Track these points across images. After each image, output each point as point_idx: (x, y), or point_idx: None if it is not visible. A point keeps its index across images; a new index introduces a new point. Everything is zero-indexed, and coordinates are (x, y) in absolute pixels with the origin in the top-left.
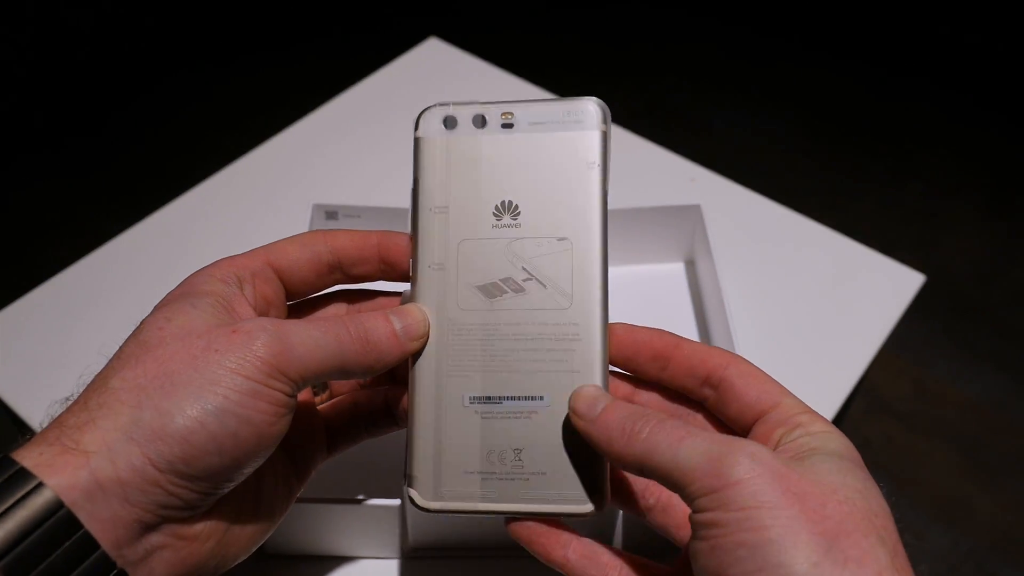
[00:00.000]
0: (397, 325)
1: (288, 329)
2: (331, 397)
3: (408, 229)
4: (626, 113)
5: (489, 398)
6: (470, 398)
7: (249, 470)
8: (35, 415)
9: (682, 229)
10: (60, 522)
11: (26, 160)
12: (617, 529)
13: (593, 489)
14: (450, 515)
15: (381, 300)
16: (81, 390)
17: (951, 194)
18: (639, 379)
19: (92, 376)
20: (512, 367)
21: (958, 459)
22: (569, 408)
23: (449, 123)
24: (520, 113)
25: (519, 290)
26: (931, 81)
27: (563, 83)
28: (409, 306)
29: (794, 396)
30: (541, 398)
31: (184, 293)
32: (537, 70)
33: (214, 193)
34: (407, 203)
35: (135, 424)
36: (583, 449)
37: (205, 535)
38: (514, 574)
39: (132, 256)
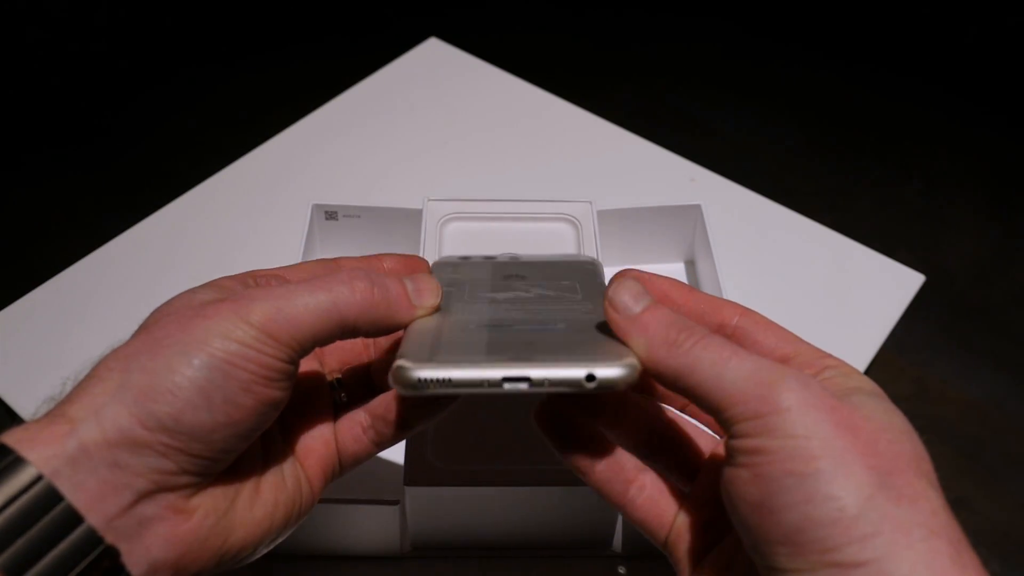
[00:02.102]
0: (410, 289)
1: (280, 294)
2: (349, 399)
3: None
4: (626, 113)
5: (500, 326)
6: (476, 326)
7: (243, 439)
8: (36, 416)
9: (682, 229)
10: (39, 495)
11: (26, 160)
12: (617, 531)
13: (623, 354)
14: (445, 393)
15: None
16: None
17: (951, 194)
18: None
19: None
20: (528, 315)
21: (958, 459)
22: (607, 300)
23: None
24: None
25: (528, 293)
26: (932, 81)
27: (563, 83)
28: (423, 275)
29: (812, 345)
30: (557, 325)
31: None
32: (537, 70)
33: (214, 193)
34: (407, 203)
35: (122, 386)
36: (604, 336)
37: (203, 511)
38: (515, 574)
39: (132, 256)
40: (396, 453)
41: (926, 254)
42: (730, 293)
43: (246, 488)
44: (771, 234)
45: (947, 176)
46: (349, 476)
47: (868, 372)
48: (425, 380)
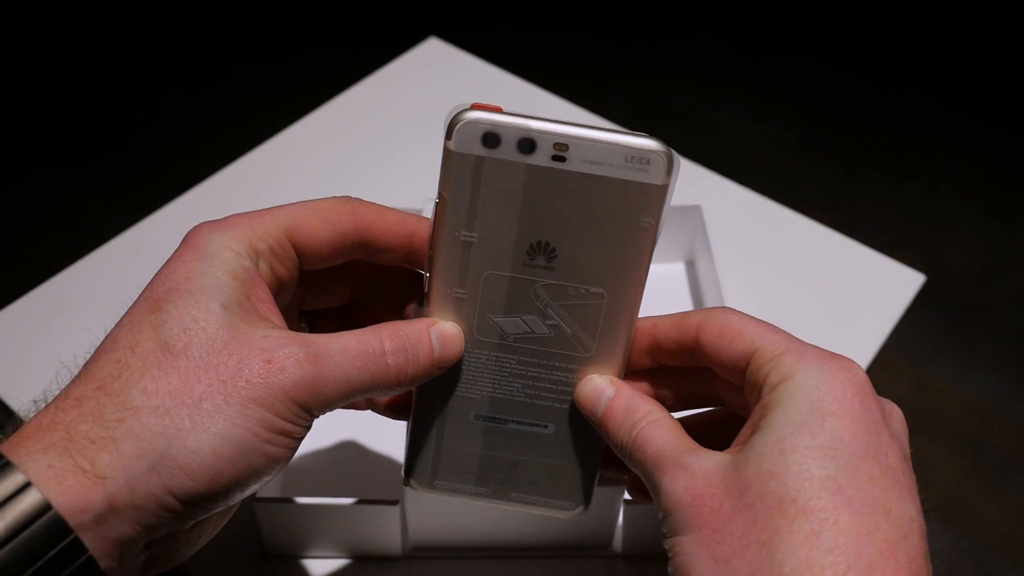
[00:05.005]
0: (436, 350)
1: (322, 366)
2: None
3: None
4: (626, 113)
5: (495, 418)
6: (476, 415)
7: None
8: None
9: (682, 229)
10: (65, 549)
11: (26, 159)
12: (617, 531)
13: (581, 498)
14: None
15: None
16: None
17: (952, 194)
18: None
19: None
20: (523, 398)
21: (958, 459)
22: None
23: (489, 140)
24: (576, 147)
25: (542, 332)
26: (933, 80)
27: (563, 83)
28: (451, 328)
29: (771, 334)
30: (546, 426)
31: (204, 275)
32: (537, 70)
33: (214, 193)
34: (409, 204)
35: (160, 456)
36: (577, 465)
37: (194, 535)
38: (514, 574)
39: (132, 256)
40: (396, 453)
41: (926, 254)
42: (730, 294)
43: None
44: (771, 234)
45: (947, 176)
46: (349, 476)
47: (868, 372)
48: (429, 495)
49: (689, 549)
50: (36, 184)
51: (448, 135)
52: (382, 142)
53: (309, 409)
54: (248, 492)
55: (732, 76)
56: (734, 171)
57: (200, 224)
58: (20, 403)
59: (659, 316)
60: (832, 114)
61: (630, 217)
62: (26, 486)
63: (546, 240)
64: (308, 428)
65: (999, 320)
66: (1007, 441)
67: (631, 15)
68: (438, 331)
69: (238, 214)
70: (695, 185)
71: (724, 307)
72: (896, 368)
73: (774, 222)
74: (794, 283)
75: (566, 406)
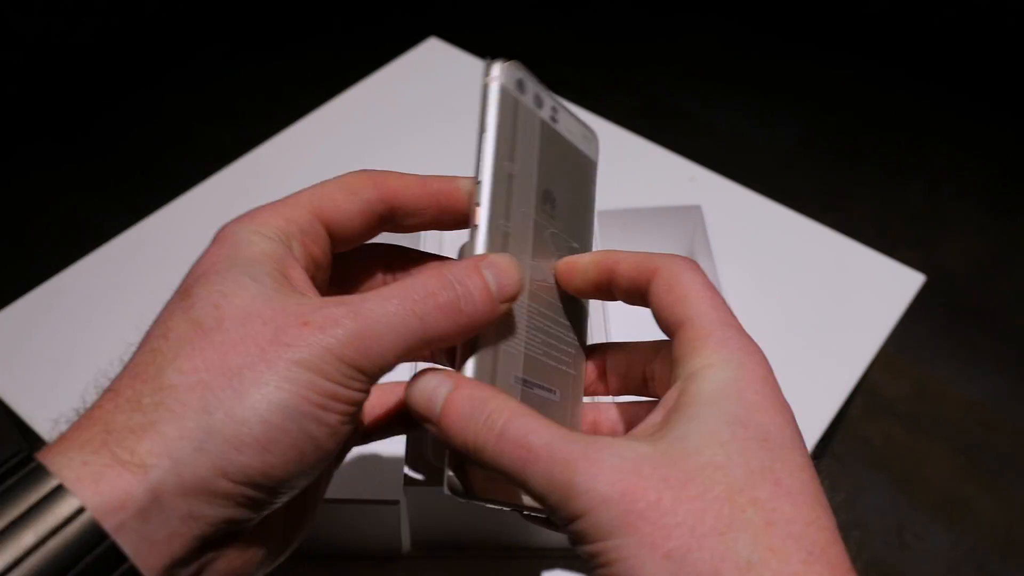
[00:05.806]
0: (491, 283)
1: (364, 319)
2: None
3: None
4: (626, 113)
5: (526, 381)
6: (515, 377)
7: (317, 473)
8: (36, 416)
9: (682, 229)
10: (101, 557)
11: (26, 159)
12: None
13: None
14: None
15: (430, 266)
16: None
17: (952, 194)
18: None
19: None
20: (542, 355)
21: (958, 459)
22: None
23: (520, 86)
24: (561, 116)
25: (552, 282)
26: (933, 79)
27: (564, 82)
28: (502, 259)
29: (707, 309)
30: (554, 392)
31: (232, 257)
32: (537, 68)
33: (214, 193)
34: None
35: (206, 432)
36: None
37: (259, 539)
38: (514, 574)
39: (132, 256)
40: (396, 453)
41: (926, 254)
42: (730, 293)
43: (295, 498)
44: (771, 234)
45: (948, 176)
46: (349, 476)
47: (868, 372)
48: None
49: (632, 552)
50: (36, 184)
51: (489, 71)
52: (382, 142)
53: (361, 368)
54: (312, 472)
55: (732, 76)
56: (734, 171)
57: (227, 222)
58: (19, 402)
59: (625, 252)
60: (832, 114)
61: (587, 182)
62: (57, 489)
63: (550, 190)
64: (365, 393)
65: (999, 320)
66: (1007, 441)
67: (631, 15)
68: (489, 262)
69: (261, 206)
70: (695, 185)
71: (686, 259)
72: (896, 368)
73: (774, 222)
74: (794, 283)
75: (566, 370)
